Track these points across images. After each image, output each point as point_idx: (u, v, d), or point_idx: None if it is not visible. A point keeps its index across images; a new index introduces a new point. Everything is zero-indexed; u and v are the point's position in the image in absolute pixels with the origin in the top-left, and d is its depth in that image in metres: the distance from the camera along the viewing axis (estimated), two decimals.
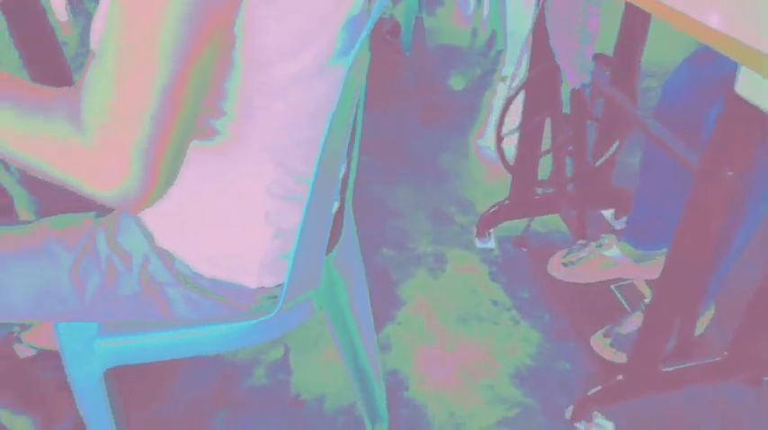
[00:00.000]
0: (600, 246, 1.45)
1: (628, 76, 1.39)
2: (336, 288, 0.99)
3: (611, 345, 1.30)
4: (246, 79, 0.59)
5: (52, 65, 1.10)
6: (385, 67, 2.60)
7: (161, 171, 0.50)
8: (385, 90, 2.46)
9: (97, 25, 0.60)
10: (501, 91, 2.45)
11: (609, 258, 1.43)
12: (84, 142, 0.49)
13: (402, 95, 2.46)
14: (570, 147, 1.44)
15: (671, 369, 1.16)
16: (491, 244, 1.62)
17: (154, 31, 0.47)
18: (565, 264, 1.47)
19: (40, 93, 0.53)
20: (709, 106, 0.98)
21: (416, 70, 2.60)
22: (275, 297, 0.81)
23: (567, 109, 1.41)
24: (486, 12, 3.04)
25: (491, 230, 1.64)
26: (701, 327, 1.26)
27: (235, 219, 0.71)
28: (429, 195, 1.84)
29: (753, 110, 0.75)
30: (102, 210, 0.78)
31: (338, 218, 0.94)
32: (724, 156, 0.86)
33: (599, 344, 1.31)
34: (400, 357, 1.32)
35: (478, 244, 1.63)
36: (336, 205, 0.88)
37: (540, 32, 1.34)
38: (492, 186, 1.86)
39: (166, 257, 0.73)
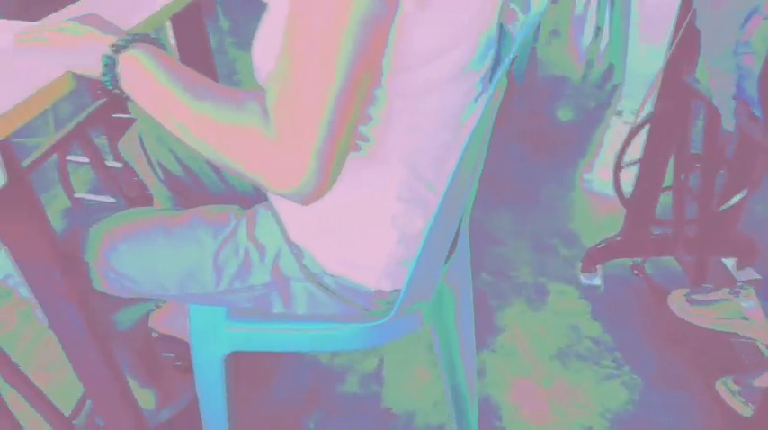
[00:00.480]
0: (736, 293, 1.35)
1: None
2: (445, 303, 0.99)
3: (740, 394, 1.20)
4: (389, 83, 0.62)
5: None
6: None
7: (332, 171, 0.55)
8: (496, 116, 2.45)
9: (258, 47, 0.65)
10: (615, 125, 2.37)
11: (744, 309, 1.33)
12: (270, 141, 0.55)
13: (511, 123, 2.45)
14: (694, 189, 1.37)
15: None
16: (597, 281, 1.56)
17: (330, 45, 0.52)
18: (690, 301, 1.38)
19: (234, 92, 0.59)
20: None
21: (527, 99, 2.58)
22: (389, 303, 0.82)
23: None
24: (603, 44, 2.97)
25: (598, 266, 1.58)
26: None
27: (365, 220, 0.73)
28: (532, 224, 1.80)
29: None
30: (244, 203, 0.83)
31: (456, 230, 0.94)
32: None
33: (725, 390, 1.22)
34: (494, 384, 1.30)
35: (583, 279, 1.57)
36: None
37: (672, 68, 1.29)
38: (599, 221, 1.79)
39: (297, 252, 0.77)
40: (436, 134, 0.69)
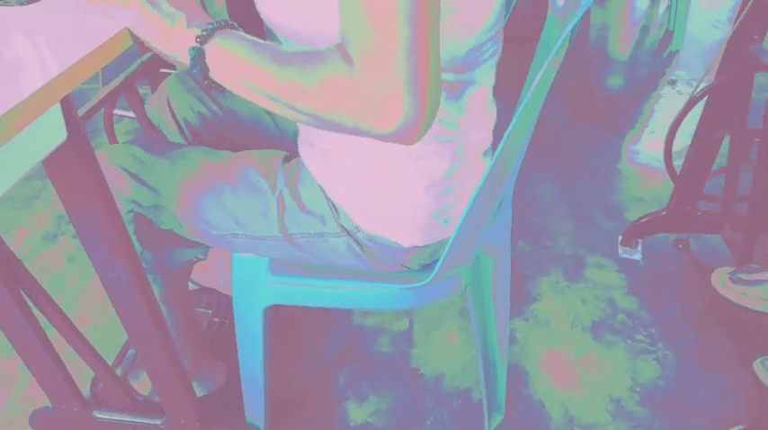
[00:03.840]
0: None
1: None
2: (483, 269, 0.99)
3: None
4: None
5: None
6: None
7: (429, 99, 0.53)
8: None
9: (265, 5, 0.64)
10: (668, 95, 2.27)
11: None
12: (358, 84, 0.53)
13: (557, 89, 2.36)
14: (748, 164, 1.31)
15: None
16: (637, 255, 1.53)
17: None
18: (734, 280, 1.34)
19: (314, 51, 0.58)
20: None
21: (577, 64, 2.48)
22: (428, 261, 0.82)
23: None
24: (662, 9, 2.82)
25: (639, 241, 1.54)
26: None
27: (387, 169, 0.73)
28: (573, 194, 1.76)
29: None
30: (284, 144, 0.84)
31: None
32: None
33: (762, 371, 1.19)
34: (524, 353, 1.30)
35: (622, 253, 1.54)
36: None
37: (739, 36, 1.22)
38: (644, 194, 1.74)
39: (333, 209, 0.77)
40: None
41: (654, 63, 2.47)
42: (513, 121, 0.68)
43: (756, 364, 1.21)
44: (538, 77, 0.67)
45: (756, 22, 1.19)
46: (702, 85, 1.30)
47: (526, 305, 1.41)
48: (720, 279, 1.36)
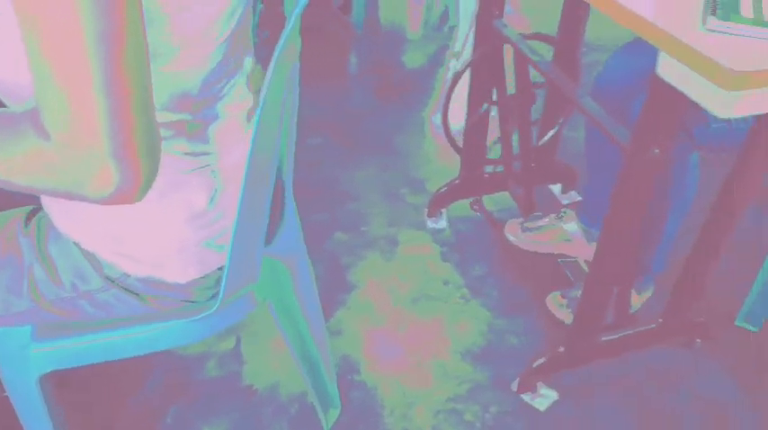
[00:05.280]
0: (560, 218, 1.48)
1: (570, 55, 1.40)
2: (281, 278, 0.99)
3: (567, 307, 1.34)
4: None
5: None
6: (336, 46, 2.56)
7: (143, 164, 0.50)
8: (337, 69, 2.43)
9: None
10: (454, 68, 2.44)
11: (566, 232, 1.46)
12: (61, 160, 0.49)
13: (355, 74, 2.44)
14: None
15: (609, 338, 1.20)
16: (443, 224, 1.64)
17: (74, 30, 0.45)
18: (522, 229, 1.50)
19: (7, 118, 0.52)
20: (641, 92, 1.00)
21: (370, 47, 2.57)
22: (214, 290, 0.81)
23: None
24: None
25: (443, 210, 1.65)
26: (637, 305, 1.31)
27: (140, 207, 0.70)
28: (383, 176, 1.84)
29: (674, 91, 0.76)
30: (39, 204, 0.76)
31: (277, 205, 0.93)
32: (651, 135, 0.88)
33: (553, 303, 1.35)
34: (351, 342, 1.34)
35: (429, 224, 1.64)
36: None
37: (483, 14, 1.34)
38: (444, 164, 1.87)
39: (95, 262, 0.72)
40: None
41: (438, 38, 2.63)
42: (255, 129, 0.67)
43: (548, 300, 1.37)
44: (269, 71, 0.66)
45: (493, 1, 1.31)
46: (463, 59, 1.41)
47: (347, 294, 1.45)
48: (512, 231, 1.51)
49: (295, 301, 1.03)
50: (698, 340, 1.30)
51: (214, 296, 0.82)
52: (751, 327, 1.34)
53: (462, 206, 1.67)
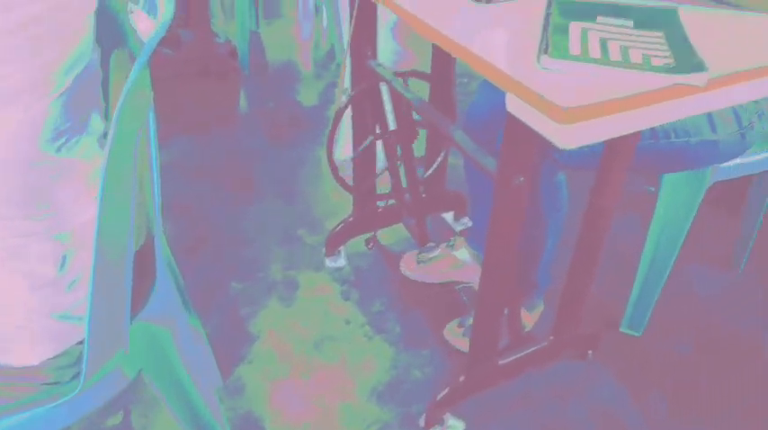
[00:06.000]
0: (450, 246, 1.51)
1: (445, 89, 1.46)
2: (160, 343, 0.93)
3: (464, 335, 1.35)
4: None
5: None
6: (224, 91, 2.53)
7: None
8: (227, 112, 2.39)
9: None
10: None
11: (458, 259, 1.49)
12: None
13: (246, 115, 2.40)
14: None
15: (506, 360, 1.23)
16: (341, 262, 1.63)
17: None
18: (417, 263, 1.51)
19: None
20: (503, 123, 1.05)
21: (259, 88, 2.55)
22: (77, 368, 0.74)
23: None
24: (325, 23, 3.06)
25: (340, 248, 1.64)
26: (529, 324, 1.36)
27: None
28: (279, 218, 1.80)
29: (524, 124, 0.80)
30: None
31: (148, 264, 0.88)
32: (513, 165, 0.92)
33: (451, 334, 1.36)
34: (254, 397, 1.28)
35: (328, 263, 1.62)
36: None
37: (357, 53, 1.36)
38: (341, 201, 1.87)
39: None
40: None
41: (327, 76, 2.66)
42: (101, 187, 0.63)
43: (446, 331, 1.38)
44: (113, 125, 0.63)
45: (365, 42, 1.34)
46: (344, 98, 1.43)
47: (248, 347, 1.39)
48: (407, 265, 1.53)
49: (179, 366, 0.97)
50: (590, 351, 1.36)
51: (78, 375, 0.76)
52: (634, 333, 1.43)
53: (360, 242, 1.67)
